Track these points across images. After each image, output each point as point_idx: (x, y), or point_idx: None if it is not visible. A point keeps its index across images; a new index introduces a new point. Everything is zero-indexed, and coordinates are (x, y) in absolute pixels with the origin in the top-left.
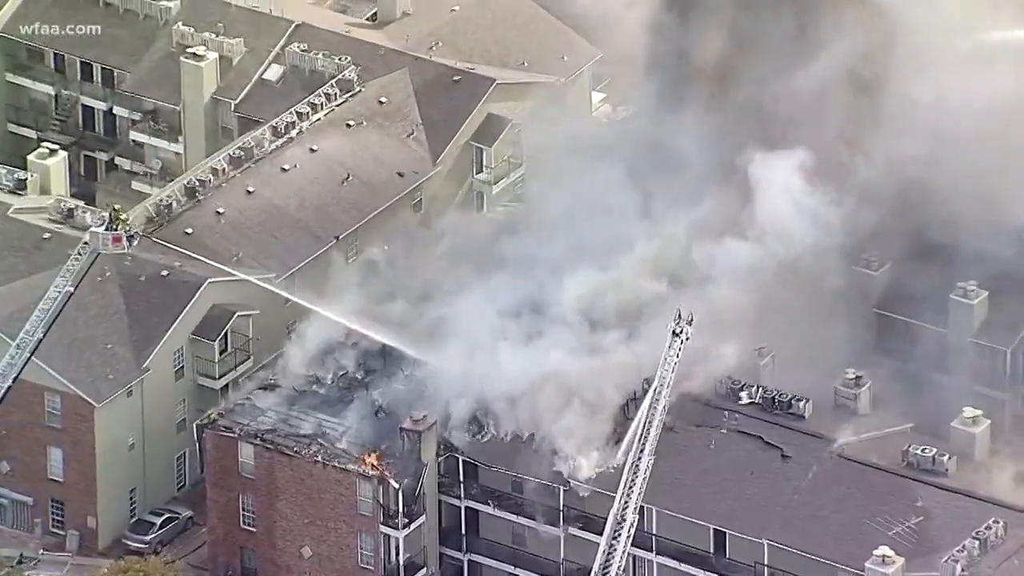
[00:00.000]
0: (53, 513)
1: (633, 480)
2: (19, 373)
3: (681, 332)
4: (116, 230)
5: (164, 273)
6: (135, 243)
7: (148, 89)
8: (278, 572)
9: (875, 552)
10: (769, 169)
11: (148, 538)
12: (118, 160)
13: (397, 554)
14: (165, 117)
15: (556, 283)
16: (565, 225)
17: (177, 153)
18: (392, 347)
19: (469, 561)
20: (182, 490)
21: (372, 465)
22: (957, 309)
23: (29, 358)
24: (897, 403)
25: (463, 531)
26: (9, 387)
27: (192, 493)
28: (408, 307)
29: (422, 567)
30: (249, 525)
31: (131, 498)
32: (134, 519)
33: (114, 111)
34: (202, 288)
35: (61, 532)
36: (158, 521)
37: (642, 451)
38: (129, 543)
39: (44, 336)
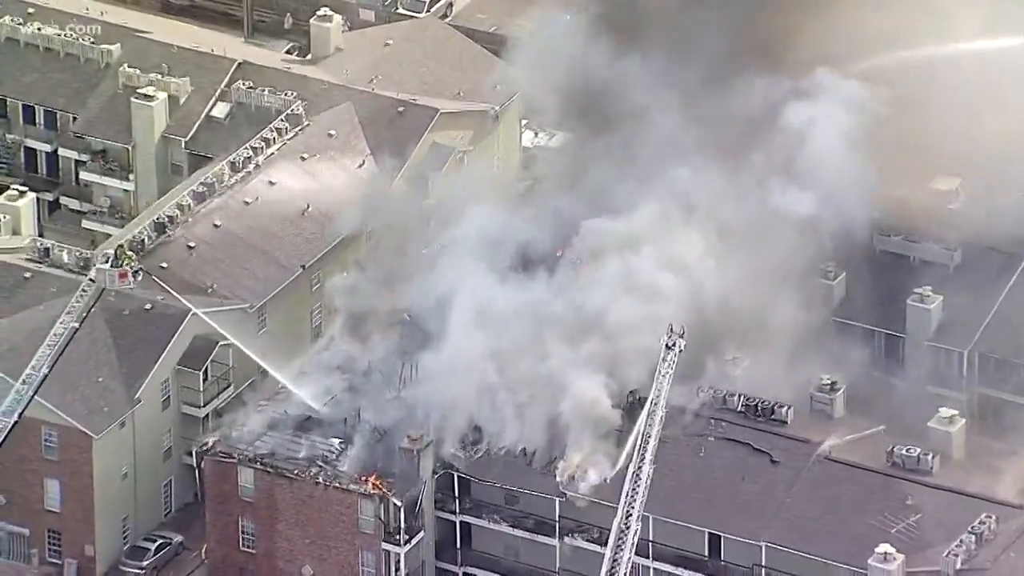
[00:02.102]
0: (50, 543)
1: (635, 489)
2: (25, 408)
3: (674, 345)
4: (122, 266)
5: (147, 307)
6: (139, 279)
7: (98, 130)
8: None
9: (876, 550)
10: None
11: (144, 564)
12: (63, 200)
13: (398, 570)
14: (115, 156)
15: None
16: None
17: (126, 191)
18: (377, 369)
19: (464, 574)
20: (168, 516)
21: (374, 484)
22: (914, 314)
23: (35, 394)
24: (861, 407)
25: (458, 545)
26: (16, 422)
27: (178, 519)
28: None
29: None
30: (248, 547)
31: (124, 526)
32: (127, 546)
33: (59, 152)
34: (186, 320)
35: (58, 561)
36: (152, 547)
37: (642, 460)
38: (126, 570)
39: (49, 372)
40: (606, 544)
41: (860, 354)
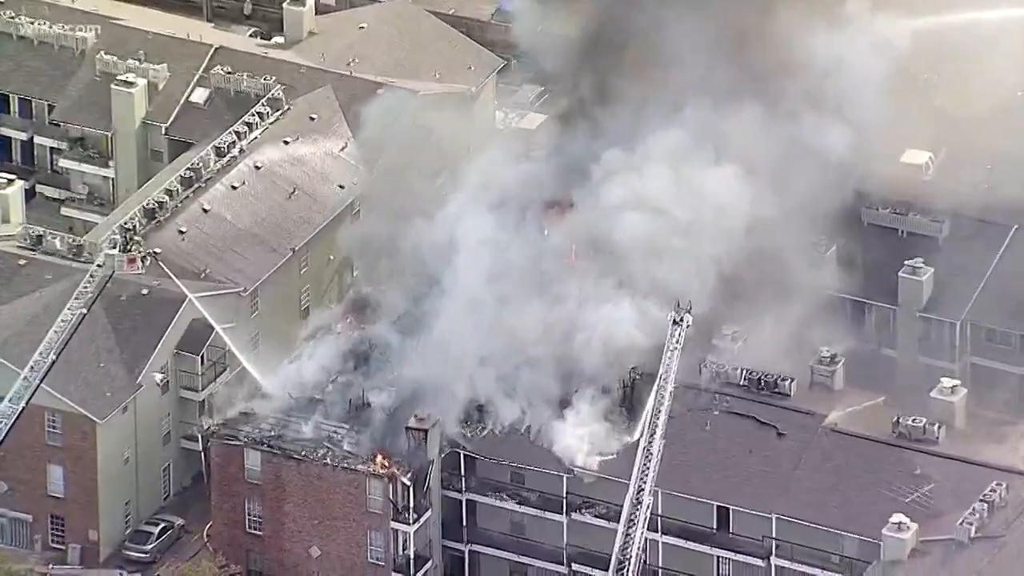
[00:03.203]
0: (53, 528)
1: (647, 464)
2: (32, 395)
3: (681, 320)
4: (131, 251)
5: (144, 292)
6: (148, 264)
7: (77, 117)
8: (286, 573)
9: (891, 519)
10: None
11: (148, 547)
12: (39, 188)
13: (406, 549)
14: (94, 143)
15: None
16: None
17: (105, 178)
18: (376, 350)
19: (470, 552)
20: (167, 500)
21: (383, 464)
22: (906, 286)
23: (42, 380)
24: (857, 380)
25: (464, 523)
26: (23, 408)
27: (176, 502)
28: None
29: (428, 560)
30: (255, 529)
31: (126, 510)
32: (129, 530)
33: (34, 140)
34: (183, 305)
35: (62, 547)
36: (155, 530)
37: (653, 434)
38: (129, 553)
39: (57, 359)
40: (614, 520)
41: (851, 326)
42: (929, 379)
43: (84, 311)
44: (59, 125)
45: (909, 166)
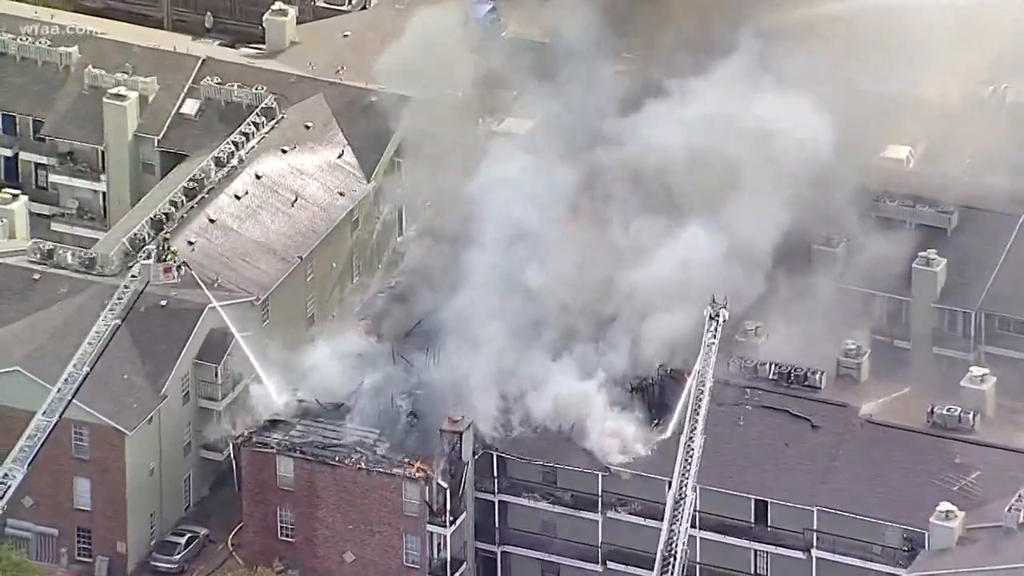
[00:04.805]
0: (79, 541)
1: (688, 460)
2: (66, 408)
3: (717, 316)
4: (166, 261)
5: (162, 303)
6: (183, 273)
7: (67, 132)
8: None
9: (938, 508)
10: None
11: (176, 558)
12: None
13: (441, 551)
14: (84, 157)
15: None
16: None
17: (96, 192)
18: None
19: (502, 553)
20: (187, 510)
21: (418, 468)
22: (920, 277)
23: (76, 392)
24: (877, 371)
25: (496, 524)
26: (56, 422)
27: (196, 512)
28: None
29: (463, 562)
30: (287, 536)
31: (151, 521)
32: (154, 541)
33: (19, 156)
34: (203, 314)
35: (88, 559)
36: (182, 541)
37: (693, 430)
38: (158, 564)
39: (91, 371)
40: (650, 517)
41: (866, 319)
42: (947, 369)
43: (118, 322)
44: (45, 140)
45: (891, 160)
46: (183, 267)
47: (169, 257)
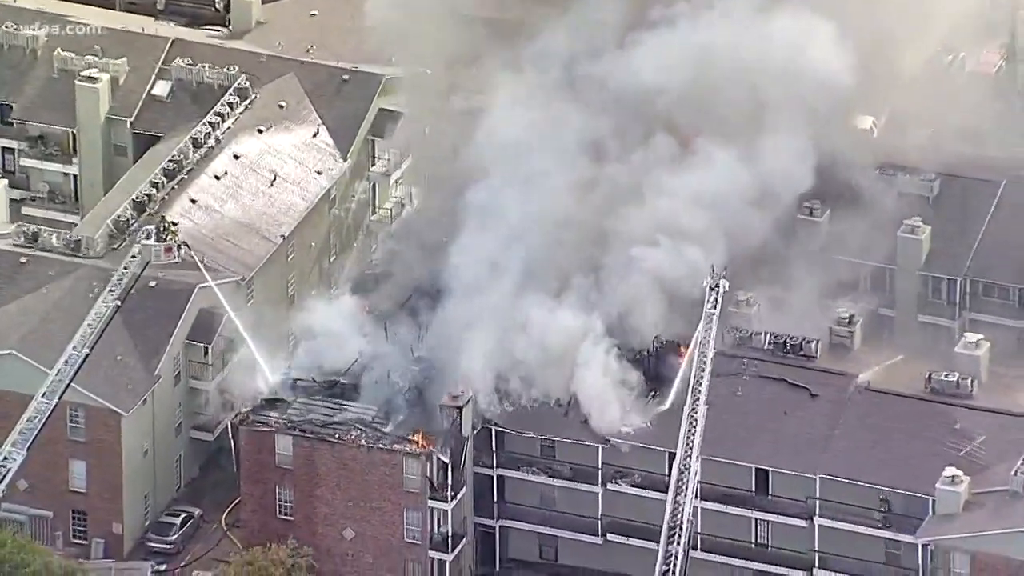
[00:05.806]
0: (74, 523)
1: (692, 430)
2: (65, 389)
3: (717, 286)
4: (166, 240)
5: (152, 284)
6: (182, 252)
7: (37, 115)
8: (320, 556)
9: (944, 473)
10: None
11: (172, 538)
12: None
13: (442, 526)
14: (55, 141)
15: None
16: None
17: (67, 175)
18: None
19: (501, 527)
20: (179, 491)
21: (419, 443)
22: (905, 244)
23: (75, 374)
24: (868, 339)
25: (495, 498)
26: (57, 403)
27: (188, 492)
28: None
29: (463, 536)
30: (286, 515)
31: (145, 502)
32: (148, 522)
33: None
34: (193, 294)
35: (84, 541)
36: (177, 521)
37: (696, 400)
38: (153, 545)
39: (91, 352)
40: (651, 488)
41: (850, 288)
42: (933, 336)
43: (118, 303)
44: (12, 124)
45: (858, 130)
46: (183, 246)
47: (170, 237)
